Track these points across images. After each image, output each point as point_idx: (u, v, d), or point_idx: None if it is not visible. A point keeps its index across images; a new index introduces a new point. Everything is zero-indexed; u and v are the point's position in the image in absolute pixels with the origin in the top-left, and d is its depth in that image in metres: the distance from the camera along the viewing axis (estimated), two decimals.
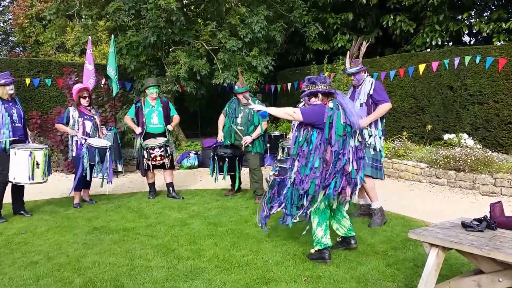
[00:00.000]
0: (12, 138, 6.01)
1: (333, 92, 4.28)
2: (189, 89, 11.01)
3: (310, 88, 4.30)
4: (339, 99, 4.30)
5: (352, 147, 4.23)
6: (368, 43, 5.52)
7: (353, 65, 5.51)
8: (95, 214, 6.31)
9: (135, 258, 4.54)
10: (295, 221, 4.43)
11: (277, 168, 4.79)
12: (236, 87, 6.99)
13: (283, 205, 4.46)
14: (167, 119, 7.22)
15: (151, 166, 7.01)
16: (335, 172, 4.15)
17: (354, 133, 4.27)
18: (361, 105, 5.44)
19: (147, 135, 7.10)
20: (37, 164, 6.02)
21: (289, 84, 13.08)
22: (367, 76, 5.54)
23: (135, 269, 4.25)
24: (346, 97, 4.50)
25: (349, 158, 4.18)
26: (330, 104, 4.18)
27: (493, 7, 12.26)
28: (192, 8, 12.89)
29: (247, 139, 6.85)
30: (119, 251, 4.75)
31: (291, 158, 4.40)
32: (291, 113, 4.23)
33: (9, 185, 6.16)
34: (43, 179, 6.17)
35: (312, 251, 4.41)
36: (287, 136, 7.92)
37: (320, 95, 4.27)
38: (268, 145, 8.38)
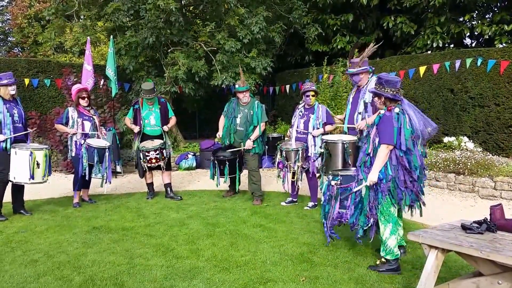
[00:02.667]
0: (15, 135, 6.05)
1: (398, 99, 4.10)
2: (188, 90, 11.03)
3: (378, 88, 4.16)
4: (404, 106, 4.12)
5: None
6: (375, 45, 5.51)
7: (355, 66, 5.49)
8: (94, 214, 6.34)
9: (135, 257, 4.57)
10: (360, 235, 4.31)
11: (339, 178, 4.46)
12: (237, 85, 7.03)
13: (350, 214, 4.29)
14: (165, 120, 7.24)
15: (146, 168, 7.04)
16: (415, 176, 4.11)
17: (418, 142, 4.16)
18: (365, 104, 5.40)
19: (144, 137, 7.13)
20: (38, 164, 6.03)
21: (287, 86, 13.11)
22: (372, 76, 5.52)
23: (135, 267, 4.28)
24: (414, 106, 4.27)
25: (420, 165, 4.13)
26: (396, 110, 4.07)
27: (495, 9, 12.24)
28: (190, 9, 12.93)
29: (249, 145, 6.86)
30: (118, 250, 4.77)
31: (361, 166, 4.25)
32: (387, 150, 4.03)
33: (9, 184, 6.18)
34: (43, 179, 6.18)
35: (378, 262, 4.24)
36: (285, 138, 7.95)
37: (383, 98, 4.15)
38: (266, 147, 8.40)
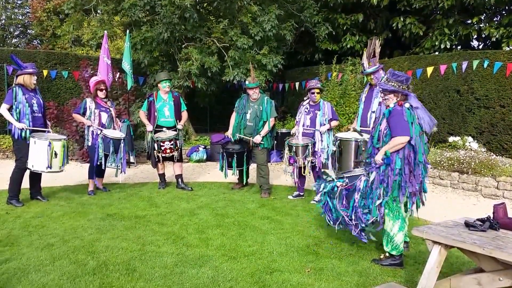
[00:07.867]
0: (33, 128, 6.19)
1: (407, 94, 4.13)
2: (200, 85, 11.23)
3: (384, 82, 4.18)
4: (411, 101, 4.13)
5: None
6: (381, 41, 5.57)
7: (371, 64, 5.59)
8: (108, 202, 6.51)
9: (146, 244, 4.71)
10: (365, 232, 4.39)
11: (345, 180, 4.49)
12: (247, 82, 7.17)
13: (354, 213, 4.33)
14: (178, 113, 7.43)
15: (161, 158, 7.23)
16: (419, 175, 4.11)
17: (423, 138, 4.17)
18: (379, 103, 5.44)
19: (158, 128, 7.31)
20: (55, 154, 6.16)
21: (297, 83, 13.22)
22: (384, 74, 5.63)
23: (146, 254, 4.41)
24: (418, 102, 4.26)
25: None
26: (406, 105, 4.06)
27: (503, 12, 12.28)
28: (205, 6, 13.08)
29: (258, 139, 7.02)
30: (131, 237, 4.92)
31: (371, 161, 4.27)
32: (404, 141, 4.02)
33: (27, 171, 6.33)
34: (60, 168, 6.30)
35: (382, 256, 4.33)
36: (291, 134, 8.05)
37: (387, 92, 4.19)
38: (275, 141, 8.53)
